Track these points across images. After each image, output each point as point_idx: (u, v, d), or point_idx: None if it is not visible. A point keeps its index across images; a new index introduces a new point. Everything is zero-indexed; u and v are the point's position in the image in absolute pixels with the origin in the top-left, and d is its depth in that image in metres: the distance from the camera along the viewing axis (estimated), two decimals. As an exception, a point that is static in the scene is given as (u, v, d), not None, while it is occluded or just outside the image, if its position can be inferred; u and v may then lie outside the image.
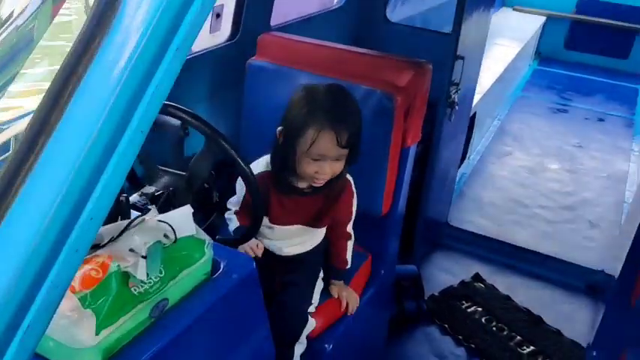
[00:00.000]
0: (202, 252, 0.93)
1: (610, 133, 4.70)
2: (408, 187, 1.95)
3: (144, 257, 0.82)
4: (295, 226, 1.60)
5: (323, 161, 1.41)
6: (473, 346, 2.49)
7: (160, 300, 0.87)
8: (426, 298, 2.69)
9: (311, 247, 1.66)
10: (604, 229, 3.40)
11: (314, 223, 1.61)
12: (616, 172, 4.10)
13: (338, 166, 1.45)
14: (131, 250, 0.82)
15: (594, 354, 1.69)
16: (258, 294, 1.04)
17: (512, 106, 5.02)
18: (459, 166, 3.45)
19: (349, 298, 1.75)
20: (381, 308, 2.12)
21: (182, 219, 0.92)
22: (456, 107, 2.53)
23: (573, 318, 2.71)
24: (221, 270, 0.97)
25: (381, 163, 1.76)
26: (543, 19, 6.10)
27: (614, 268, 2.81)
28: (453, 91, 2.50)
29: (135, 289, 0.83)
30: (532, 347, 2.51)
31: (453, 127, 2.72)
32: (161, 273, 0.86)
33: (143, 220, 0.92)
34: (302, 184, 1.53)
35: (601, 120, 4.95)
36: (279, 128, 1.47)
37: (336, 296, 1.73)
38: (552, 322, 2.64)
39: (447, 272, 2.96)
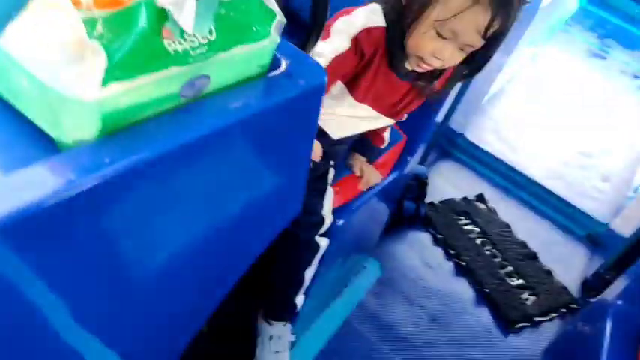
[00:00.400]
0: (267, 30, 0.63)
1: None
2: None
3: (194, -2, 0.51)
4: (367, 111, 1.29)
5: (449, 42, 1.07)
6: (463, 263, 2.33)
7: (198, 75, 0.57)
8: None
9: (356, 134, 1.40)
10: (615, 185, 3.22)
11: (389, 112, 1.32)
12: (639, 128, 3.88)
13: (456, 58, 1.12)
14: (179, -22, 0.51)
15: (619, 302, 1.52)
16: (315, 120, 0.76)
17: (551, 37, 4.64)
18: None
19: (370, 175, 1.49)
20: (392, 198, 1.89)
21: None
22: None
23: (567, 262, 2.57)
24: (282, 69, 0.68)
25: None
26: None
27: (619, 225, 2.66)
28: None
29: (169, 44, 0.53)
30: (521, 280, 2.37)
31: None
32: (211, 34, 0.56)
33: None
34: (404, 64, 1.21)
35: (636, 77, 4.64)
36: None
37: (358, 173, 1.48)
38: (546, 261, 2.50)
39: (451, 185, 2.75)
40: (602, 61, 4.69)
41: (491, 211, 2.67)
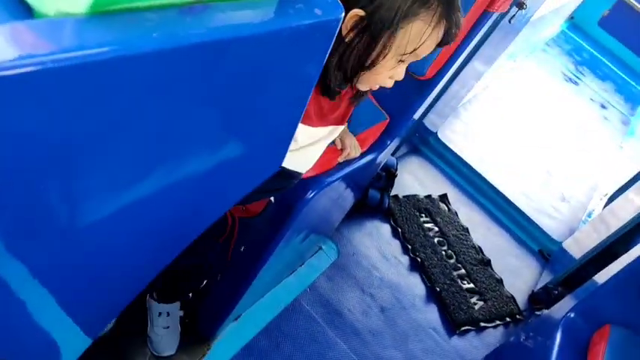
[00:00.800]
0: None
1: (607, 122, 4.55)
2: (461, 59, 1.60)
3: None
4: (329, 127, 1.20)
5: (405, 64, 1.02)
6: (418, 259, 2.31)
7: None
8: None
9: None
10: (572, 206, 3.28)
11: (342, 120, 1.23)
12: (600, 156, 3.98)
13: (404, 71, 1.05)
14: None
15: (571, 315, 1.52)
16: (320, 62, 0.69)
17: (530, 54, 4.70)
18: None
19: (352, 147, 1.43)
20: (361, 182, 1.84)
21: None
22: (524, 8, 2.15)
23: (518, 274, 2.59)
24: (296, -9, 0.60)
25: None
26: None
27: (570, 245, 2.70)
28: (528, -10, 2.10)
29: None
30: (472, 285, 2.37)
31: (504, 33, 2.35)
32: None
33: None
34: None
35: (603, 107, 4.76)
36: (356, 13, 0.91)
37: (339, 146, 1.41)
38: (497, 269, 2.51)
39: (417, 181, 2.73)
40: (575, 86, 4.79)
41: (452, 213, 2.66)
